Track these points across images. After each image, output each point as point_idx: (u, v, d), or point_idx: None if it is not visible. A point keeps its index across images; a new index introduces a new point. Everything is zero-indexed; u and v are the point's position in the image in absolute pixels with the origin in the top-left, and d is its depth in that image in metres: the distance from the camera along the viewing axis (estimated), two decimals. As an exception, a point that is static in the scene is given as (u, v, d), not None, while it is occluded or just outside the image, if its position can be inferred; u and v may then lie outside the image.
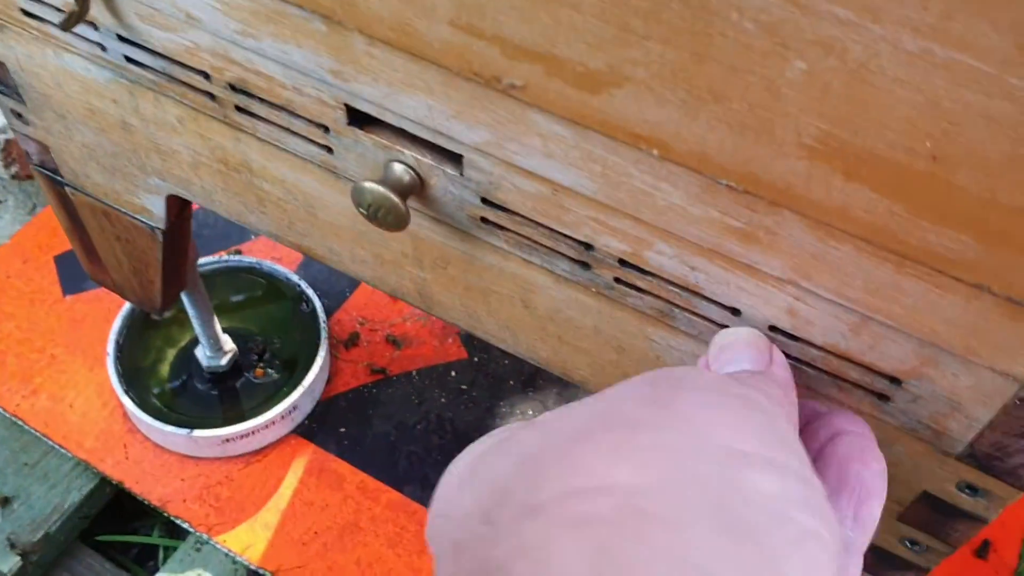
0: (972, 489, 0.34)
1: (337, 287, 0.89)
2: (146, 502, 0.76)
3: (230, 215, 0.47)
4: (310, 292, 0.84)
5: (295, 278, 0.85)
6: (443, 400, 0.83)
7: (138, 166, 0.47)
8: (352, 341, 0.86)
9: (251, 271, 0.86)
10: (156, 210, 0.50)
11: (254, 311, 0.86)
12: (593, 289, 0.36)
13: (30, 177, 0.93)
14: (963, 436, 0.32)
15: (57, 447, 0.78)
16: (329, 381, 0.83)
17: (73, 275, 0.88)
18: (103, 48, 0.41)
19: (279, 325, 0.84)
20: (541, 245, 0.36)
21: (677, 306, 0.34)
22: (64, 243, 0.89)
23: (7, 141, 0.86)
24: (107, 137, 0.47)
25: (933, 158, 0.24)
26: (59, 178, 0.54)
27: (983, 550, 0.79)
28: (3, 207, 1.05)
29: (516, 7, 0.27)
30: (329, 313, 0.86)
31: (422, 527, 0.75)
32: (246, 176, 0.43)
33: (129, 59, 0.40)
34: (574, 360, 0.41)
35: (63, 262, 0.89)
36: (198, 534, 0.75)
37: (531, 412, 0.83)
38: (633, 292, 0.35)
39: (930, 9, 0.21)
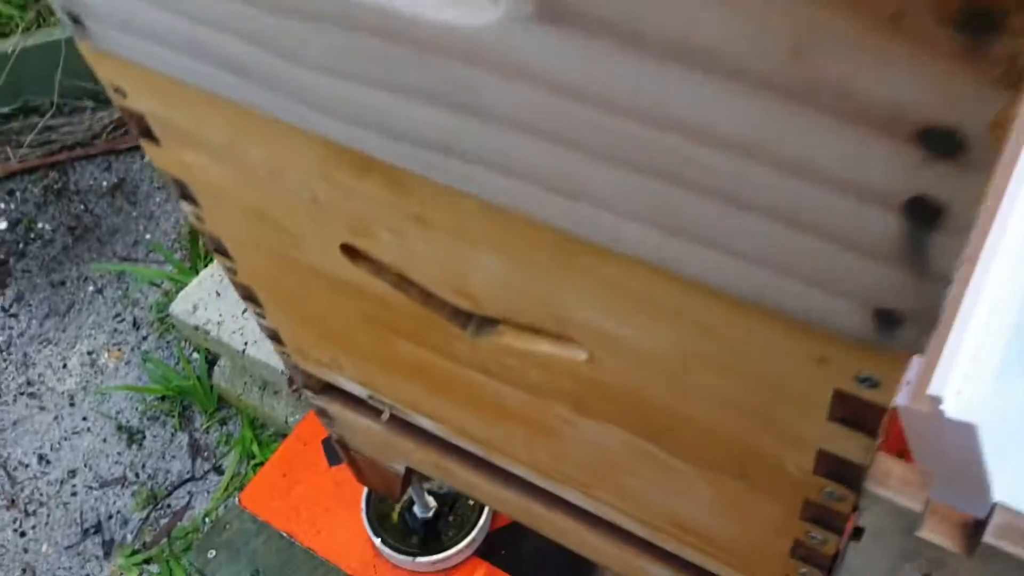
0: None
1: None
2: (389, 600, 1.29)
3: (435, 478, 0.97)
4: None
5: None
6: (563, 530, 1.32)
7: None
8: (506, 491, 1.36)
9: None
10: (401, 469, 1.02)
11: (444, 474, 1.37)
12: None
13: (298, 392, 1.48)
14: None
15: (335, 568, 1.32)
16: (492, 521, 1.33)
17: (334, 453, 1.41)
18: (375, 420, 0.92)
19: (460, 483, 1.35)
20: None
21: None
22: (323, 432, 1.43)
23: (290, 378, 1.41)
24: (373, 443, 0.98)
25: None
26: (350, 449, 1.06)
27: None
28: (279, 396, 1.62)
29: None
30: (490, 474, 1.36)
31: (553, 613, 1.24)
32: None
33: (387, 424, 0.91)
34: None
35: (327, 444, 1.43)
36: (421, 619, 1.26)
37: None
38: None
39: None
